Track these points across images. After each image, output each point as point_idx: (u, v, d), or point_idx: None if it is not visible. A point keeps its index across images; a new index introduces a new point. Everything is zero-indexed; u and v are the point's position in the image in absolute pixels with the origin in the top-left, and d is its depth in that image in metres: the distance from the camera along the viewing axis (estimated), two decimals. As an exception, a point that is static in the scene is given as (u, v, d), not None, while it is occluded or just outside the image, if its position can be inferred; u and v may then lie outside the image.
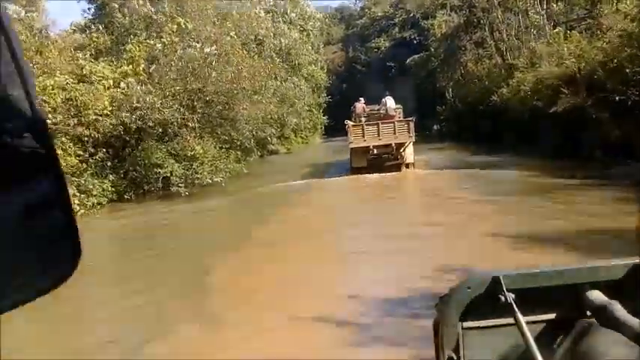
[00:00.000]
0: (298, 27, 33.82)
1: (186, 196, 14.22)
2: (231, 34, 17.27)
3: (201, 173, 14.82)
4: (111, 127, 13.22)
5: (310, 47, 36.28)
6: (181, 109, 14.07)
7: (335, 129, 38.61)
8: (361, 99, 18.26)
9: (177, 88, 14.26)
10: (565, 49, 20.21)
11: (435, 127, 39.08)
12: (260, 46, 25.17)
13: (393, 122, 16.00)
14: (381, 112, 17.23)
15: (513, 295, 0.86)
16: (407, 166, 16.32)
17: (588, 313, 0.90)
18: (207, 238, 9.38)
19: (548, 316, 0.93)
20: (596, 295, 0.90)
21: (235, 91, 15.49)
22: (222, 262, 7.20)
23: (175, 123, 14.01)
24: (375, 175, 15.98)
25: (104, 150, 13.87)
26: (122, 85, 13.56)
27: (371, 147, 15.70)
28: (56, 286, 0.43)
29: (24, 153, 0.39)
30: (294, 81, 26.96)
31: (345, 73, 66.53)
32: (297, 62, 31.07)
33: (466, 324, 0.90)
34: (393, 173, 16.09)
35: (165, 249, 8.64)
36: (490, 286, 0.88)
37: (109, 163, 14.07)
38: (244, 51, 17.81)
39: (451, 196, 11.53)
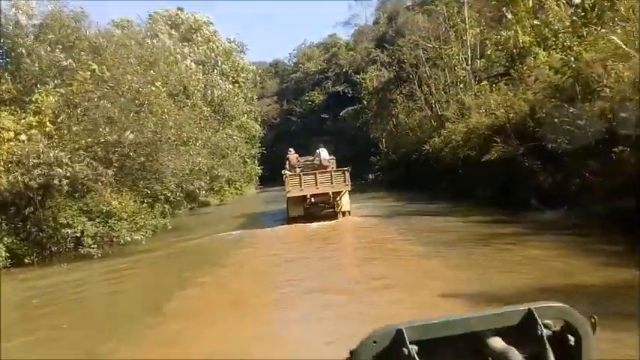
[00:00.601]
0: (230, 79, 33.31)
1: (99, 257, 12.53)
2: (156, 83, 16.19)
3: (118, 231, 13.18)
4: (7, 184, 11.48)
5: (243, 99, 35.71)
6: (93, 163, 12.52)
7: (271, 179, 37.99)
8: (291, 150, 18.69)
9: (89, 139, 12.77)
10: (492, 100, 20.96)
11: (371, 176, 39.35)
12: (190, 97, 24.19)
13: (330, 172, 16.38)
14: (315, 162, 17.60)
15: (416, 347, 0.89)
16: (343, 214, 16.59)
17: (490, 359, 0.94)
18: (109, 311, 7.84)
19: None
20: (496, 342, 0.93)
21: (159, 142, 14.25)
22: (118, 351, 5.79)
23: (88, 178, 12.42)
24: (313, 225, 15.77)
25: (-3, 210, 12.04)
26: (23, 137, 11.95)
27: (308, 196, 15.93)
28: None
29: None
30: (227, 132, 26.00)
31: (280, 125, 66.89)
32: (229, 113, 30.28)
33: None
34: (332, 222, 15.96)
35: (50, 329, 6.82)
36: (394, 339, 0.89)
37: (4, 225, 12.20)
38: (171, 101, 16.74)
39: (394, 248, 10.78)
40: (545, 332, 0.92)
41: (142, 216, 14.34)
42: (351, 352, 0.91)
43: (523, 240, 9.83)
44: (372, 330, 0.90)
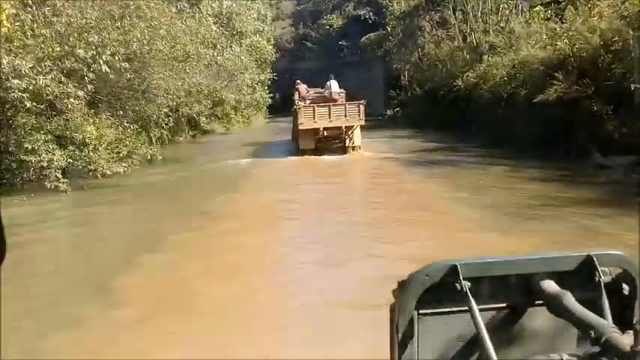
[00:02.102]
0: (242, -10, 29.56)
1: (68, 192, 10.23)
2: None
3: (95, 162, 10.85)
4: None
5: (256, 15, 31.97)
6: (62, 79, 9.90)
7: (281, 108, 35.06)
8: (298, 80, 18.32)
9: (58, 49, 10.04)
10: (543, 28, 17.89)
11: (389, 112, 36.22)
12: (195, 7, 21.01)
13: (344, 104, 16.00)
14: (326, 94, 16.99)
15: (469, 284, 0.88)
16: (353, 148, 16.32)
17: (540, 301, 0.93)
18: (35, 283, 5.53)
19: (501, 303, 0.96)
20: (549, 285, 0.93)
21: (147, 56, 11.55)
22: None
23: (55, 95, 9.90)
24: (325, 159, 15.30)
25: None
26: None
27: (321, 129, 15.63)
28: None
29: None
30: (235, 50, 22.88)
31: (294, 51, 62.99)
32: (239, 30, 26.86)
33: (422, 310, 0.92)
34: (343, 156, 15.63)
35: None
36: (447, 274, 0.89)
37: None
38: (165, 7, 13.75)
39: (437, 209, 8.34)
40: (603, 279, 0.91)
41: (127, 144, 11.88)
42: (400, 283, 0.91)
43: (611, 212, 7.35)
44: (425, 264, 0.88)
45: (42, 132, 10.52)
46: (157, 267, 5.60)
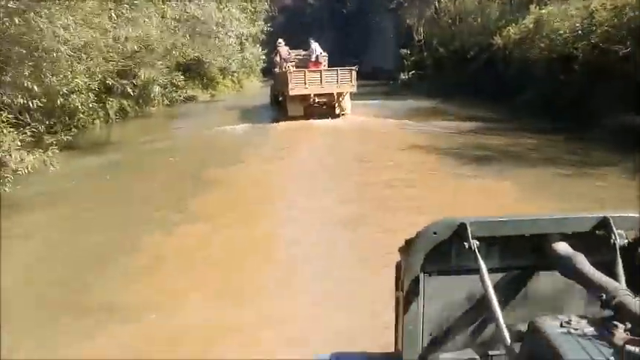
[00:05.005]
0: None
1: None
2: None
3: None
4: None
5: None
6: None
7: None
8: (281, 41, 17.41)
9: None
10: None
11: (403, 76, 30.78)
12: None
13: (336, 70, 15.42)
14: (312, 59, 16.34)
15: (478, 243, 0.84)
16: (343, 115, 15.62)
17: (550, 264, 0.88)
18: None
19: (511, 264, 0.92)
20: (562, 247, 0.88)
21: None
22: None
23: None
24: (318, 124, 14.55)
25: None
26: None
27: (312, 95, 15.00)
28: None
29: None
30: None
31: (292, 6, 57.20)
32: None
33: (429, 268, 0.88)
34: (335, 122, 14.88)
35: None
36: (456, 232, 0.86)
37: None
38: None
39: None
40: (619, 242, 0.86)
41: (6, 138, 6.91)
42: (407, 242, 0.87)
43: None
44: (433, 221, 0.83)
45: None
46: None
